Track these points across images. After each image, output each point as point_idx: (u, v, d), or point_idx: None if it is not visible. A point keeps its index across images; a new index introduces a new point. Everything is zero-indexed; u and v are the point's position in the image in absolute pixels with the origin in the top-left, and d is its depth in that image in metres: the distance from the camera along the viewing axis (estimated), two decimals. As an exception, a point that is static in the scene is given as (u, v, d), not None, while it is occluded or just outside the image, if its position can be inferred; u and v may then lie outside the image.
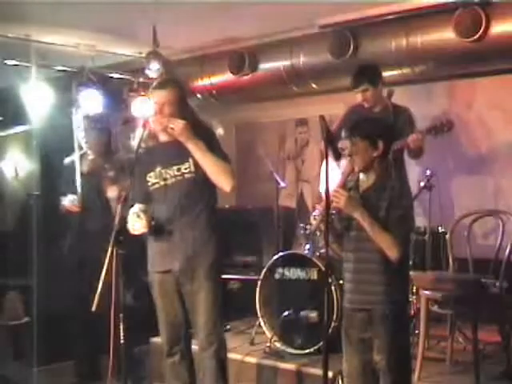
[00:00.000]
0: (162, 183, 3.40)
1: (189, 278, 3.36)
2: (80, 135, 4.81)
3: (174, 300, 3.43)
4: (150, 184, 3.43)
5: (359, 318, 2.98)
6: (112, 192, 4.36)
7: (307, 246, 4.60)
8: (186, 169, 3.34)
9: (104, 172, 4.50)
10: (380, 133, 3.00)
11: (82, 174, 4.62)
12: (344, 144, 3.74)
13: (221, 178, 3.30)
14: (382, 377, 2.95)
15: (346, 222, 3.03)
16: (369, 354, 2.96)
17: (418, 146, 4.33)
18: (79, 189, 4.57)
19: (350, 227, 3.01)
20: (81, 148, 4.80)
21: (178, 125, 3.26)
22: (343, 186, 3.06)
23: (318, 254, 4.49)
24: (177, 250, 3.36)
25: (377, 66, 4.68)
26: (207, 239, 3.38)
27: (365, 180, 3.04)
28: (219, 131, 5.47)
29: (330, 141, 3.04)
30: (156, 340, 4.59)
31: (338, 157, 3.99)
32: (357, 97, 4.54)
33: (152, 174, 3.42)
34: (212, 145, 3.33)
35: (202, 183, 3.35)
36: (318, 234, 4.23)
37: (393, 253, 2.86)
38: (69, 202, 4.51)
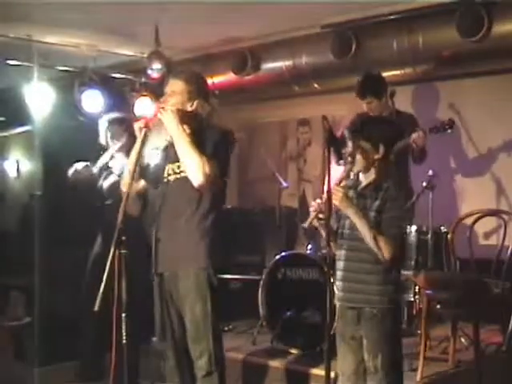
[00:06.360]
0: (166, 179, 3.32)
1: (175, 284, 3.26)
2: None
3: (168, 304, 3.31)
4: (164, 177, 3.35)
5: (350, 315, 3.00)
6: None
7: (309, 246, 4.61)
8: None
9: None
10: (382, 136, 3.00)
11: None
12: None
13: (191, 171, 3.13)
14: (369, 376, 2.95)
15: (340, 220, 3.04)
16: (361, 352, 2.97)
17: (420, 144, 4.33)
18: None
19: (344, 226, 3.02)
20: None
21: (166, 109, 3.14)
22: (339, 183, 3.04)
23: (320, 253, 4.49)
24: (165, 252, 3.26)
25: (381, 76, 4.68)
26: (195, 244, 3.22)
27: (364, 179, 3.04)
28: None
29: (332, 141, 3.03)
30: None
31: (340, 158, 4.00)
32: (362, 104, 4.55)
33: (166, 167, 3.33)
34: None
35: None
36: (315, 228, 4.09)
37: (383, 253, 2.86)
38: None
